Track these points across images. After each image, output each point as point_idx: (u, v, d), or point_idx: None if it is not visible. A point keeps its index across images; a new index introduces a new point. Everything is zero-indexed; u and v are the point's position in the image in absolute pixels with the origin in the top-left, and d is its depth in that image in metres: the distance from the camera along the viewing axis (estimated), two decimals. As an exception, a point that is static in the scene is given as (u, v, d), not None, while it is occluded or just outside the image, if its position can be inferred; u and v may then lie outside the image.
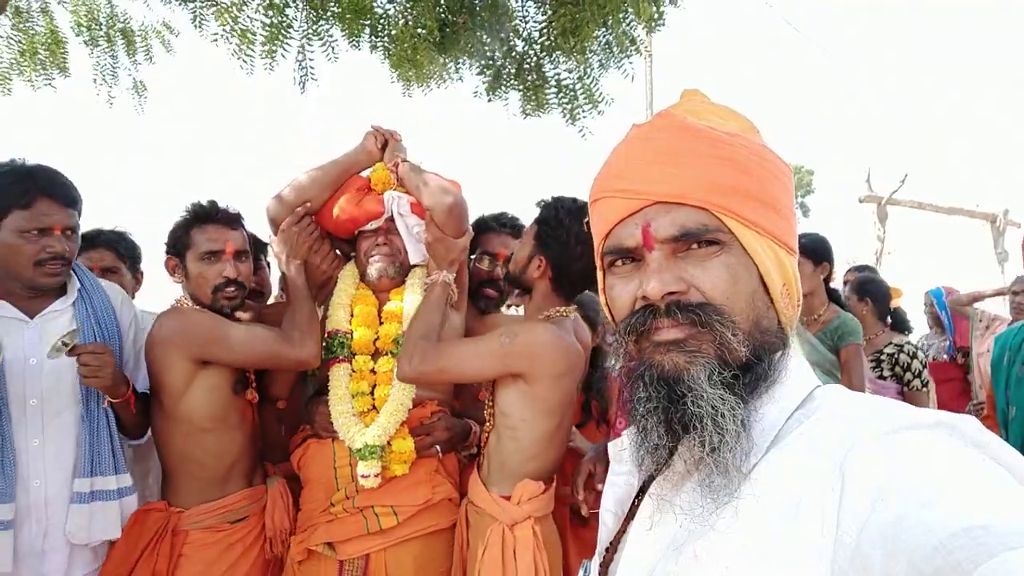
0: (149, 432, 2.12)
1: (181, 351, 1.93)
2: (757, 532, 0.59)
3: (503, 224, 2.40)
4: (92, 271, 2.37)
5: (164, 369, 1.94)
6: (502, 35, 3.33)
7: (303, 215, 2.08)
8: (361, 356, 2.05)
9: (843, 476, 0.55)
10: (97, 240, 2.51)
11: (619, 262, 0.73)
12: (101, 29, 3.74)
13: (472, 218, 2.40)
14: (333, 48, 3.25)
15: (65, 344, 1.79)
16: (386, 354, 2.06)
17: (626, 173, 0.72)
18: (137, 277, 2.64)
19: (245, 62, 3.13)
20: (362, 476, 1.93)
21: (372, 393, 2.03)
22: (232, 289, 2.01)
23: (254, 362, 2.04)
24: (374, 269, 2.09)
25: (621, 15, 3.17)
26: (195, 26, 3.19)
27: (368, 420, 1.98)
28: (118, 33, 3.76)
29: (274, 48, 3.11)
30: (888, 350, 3.44)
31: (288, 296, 2.11)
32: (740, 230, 0.67)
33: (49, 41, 3.74)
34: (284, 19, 3.13)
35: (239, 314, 2.19)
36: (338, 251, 2.23)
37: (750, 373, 0.66)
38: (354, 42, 3.34)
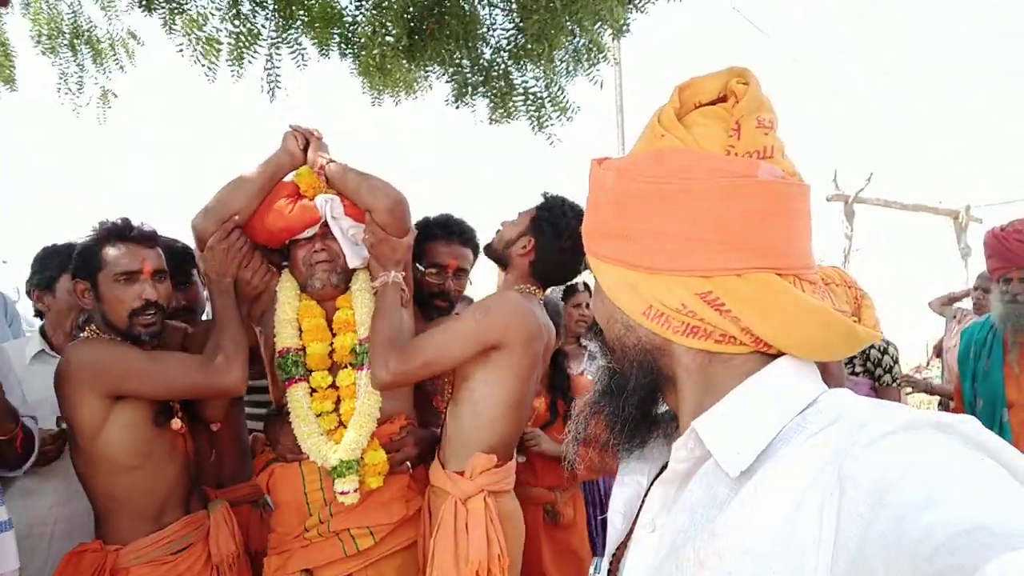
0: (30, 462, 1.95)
1: (91, 388, 1.77)
2: (759, 536, 0.59)
3: (451, 232, 2.27)
4: None
5: (75, 407, 1.79)
6: (470, 43, 3.33)
7: (231, 229, 1.94)
8: (318, 372, 1.96)
9: (842, 481, 0.55)
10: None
11: None
12: (64, 38, 3.66)
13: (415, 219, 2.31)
14: (303, 56, 3.24)
15: None
16: (345, 366, 1.98)
17: None
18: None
19: (210, 71, 3.10)
20: (341, 493, 1.87)
21: (336, 410, 1.96)
22: (151, 313, 1.84)
23: (174, 394, 1.90)
24: (317, 280, 1.98)
25: (591, 22, 3.19)
26: (166, 32, 3.14)
27: (337, 437, 1.91)
28: (83, 43, 3.68)
29: (241, 56, 3.08)
30: None
31: (214, 317, 1.97)
32: (594, 264, 0.77)
33: (-2, 54, 3.65)
34: (252, 27, 3.10)
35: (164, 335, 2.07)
36: (270, 262, 2.09)
37: (629, 382, 0.75)
38: (324, 51, 3.32)
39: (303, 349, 1.96)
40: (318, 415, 1.94)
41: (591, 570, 0.86)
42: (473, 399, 1.93)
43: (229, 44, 3.08)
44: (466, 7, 3.27)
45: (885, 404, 0.63)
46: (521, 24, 3.21)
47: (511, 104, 3.45)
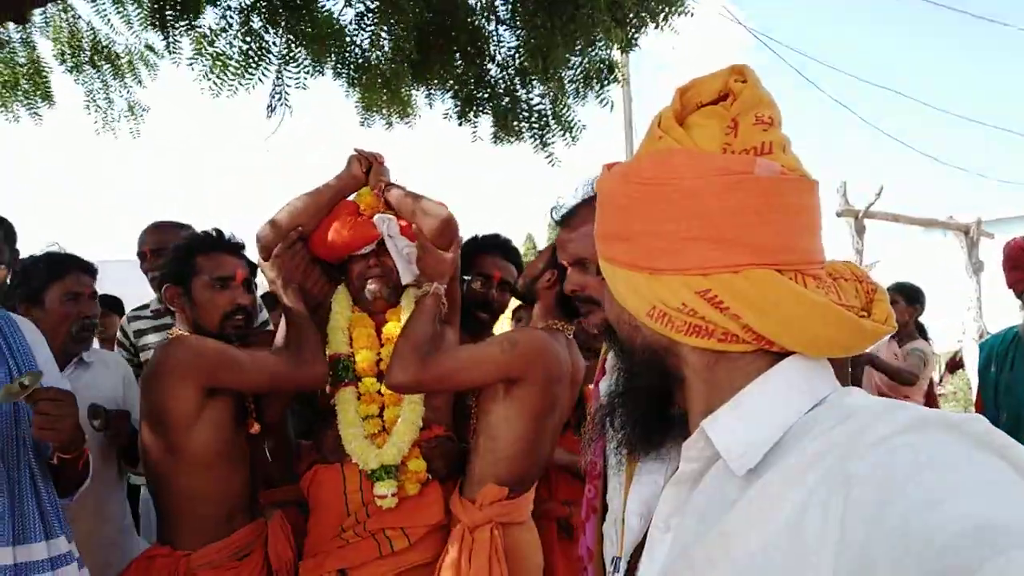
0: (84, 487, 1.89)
1: (191, 380, 1.86)
2: (766, 535, 0.59)
3: (497, 246, 2.40)
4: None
5: (171, 401, 1.85)
6: (476, 59, 3.34)
7: (295, 240, 2.10)
8: (368, 379, 2.07)
9: (848, 480, 0.55)
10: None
11: None
12: (85, 55, 3.70)
13: (464, 238, 2.42)
14: (308, 72, 3.24)
15: (24, 387, 1.53)
16: None
17: None
18: None
19: (218, 87, 3.10)
20: (379, 497, 1.95)
21: (380, 415, 2.06)
22: (241, 317, 2.00)
23: (265, 385, 2.01)
24: (368, 292, 2.12)
25: (593, 39, 3.19)
26: (169, 52, 3.17)
27: (379, 442, 2.00)
28: (103, 59, 3.73)
29: (251, 73, 3.09)
30: None
31: (289, 320, 2.09)
32: (603, 267, 0.78)
33: (31, 72, 3.70)
34: (263, 44, 3.11)
35: None
36: (329, 278, 2.24)
37: (638, 382, 0.78)
38: (319, 68, 3.31)
39: (352, 356, 2.08)
40: (364, 418, 2.03)
41: (610, 569, 0.88)
42: (491, 434, 1.98)
43: (239, 61, 3.09)
44: (473, 22, 3.28)
45: (894, 403, 0.63)
46: (524, 39, 3.23)
47: (515, 123, 3.44)
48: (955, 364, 9.23)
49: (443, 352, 1.95)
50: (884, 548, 0.50)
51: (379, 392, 2.07)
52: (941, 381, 9.90)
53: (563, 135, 3.43)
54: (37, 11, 3.48)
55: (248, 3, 3.13)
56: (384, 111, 3.62)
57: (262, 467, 2.26)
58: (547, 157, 3.42)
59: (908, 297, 4.21)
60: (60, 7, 3.59)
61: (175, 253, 2.04)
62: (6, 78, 3.68)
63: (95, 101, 3.74)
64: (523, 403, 1.93)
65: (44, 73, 3.73)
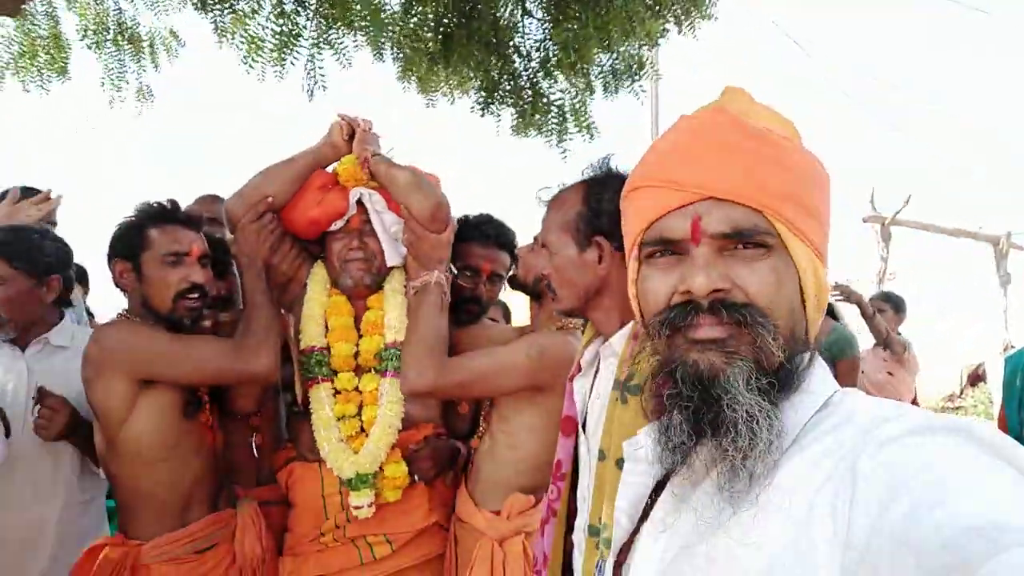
0: None
1: (119, 371, 1.73)
2: (773, 535, 0.59)
3: (487, 235, 2.11)
4: None
5: (102, 391, 1.75)
6: (500, 50, 3.32)
7: (264, 211, 1.90)
8: (344, 374, 1.91)
9: (855, 478, 0.56)
10: None
11: (659, 254, 0.72)
12: (109, 34, 3.72)
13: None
14: (343, 55, 3.25)
15: None
16: (369, 370, 1.92)
17: (677, 164, 0.71)
18: (49, 286, 2.10)
19: (254, 69, 3.12)
20: (355, 507, 1.83)
21: (359, 414, 1.90)
22: (195, 297, 1.82)
23: (203, 379, 1.85)
24: (350, 278, 1.93)
25: (627, 31, 3.16)
26: (217, 34, 3.18)
27: (357, 445, 1.85)
28: (125, 39, 3.74)
29: (284, 55, 3.10)
30: None
31: (245, 300, 1.92)
32: (788, 236, 0.68)
33: (51, 45, 3.70)
34: (295, 27, 3.12)
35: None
36: (307, 250, 2.05)
37: (781, 379, 0.66)
38: (377, 53, 3.33)
39: (328, 348, 1.91)
40: (340, 418, 1.88)
41: (595, 573, 0.87)
42: (513, 443, 1.88)
43: (272, 43, 3.10)
44: (499, 12, 3.26)
45: (898, 405, 0.64)
46: (552, 32, 3.21)
47: (536, 117, 3.43)
48: (976, 377, 9.06)
49: (465, 357, 1.83)
50: (887, 544, 0.51)
51: (356, 389, 1.90)
52: (962, 393, 9.75)
53: (579, 132, 3.40)
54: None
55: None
56: (441, 89, 3.61)
57: (246, 458, 2.10)
58: (562, 153, 3.39)
59: (895, 306, 4.46)
60: None
61: (124, 226, 1.85)
62: (24, 48, 3.62)
63: (112, 79, 3.71)
64: (548, 411, 1.81)
65: (64, 48, 3.70)
